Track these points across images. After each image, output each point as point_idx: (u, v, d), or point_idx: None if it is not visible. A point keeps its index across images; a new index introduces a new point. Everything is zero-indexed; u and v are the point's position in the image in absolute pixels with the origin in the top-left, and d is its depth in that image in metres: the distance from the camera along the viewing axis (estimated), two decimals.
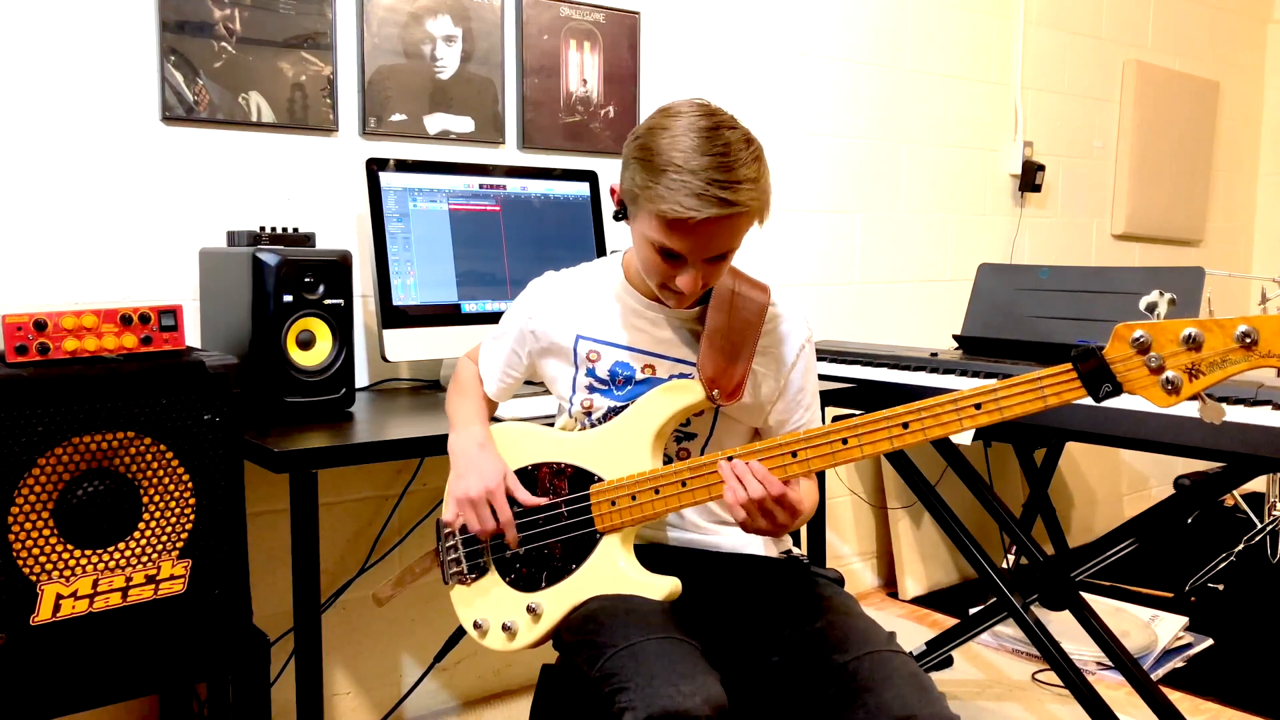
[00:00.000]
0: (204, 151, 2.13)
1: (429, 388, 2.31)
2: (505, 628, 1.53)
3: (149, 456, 1.58)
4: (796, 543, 1.67)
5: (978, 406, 1.29)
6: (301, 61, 2.21)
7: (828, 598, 1.47)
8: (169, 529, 1.61)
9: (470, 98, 2.45)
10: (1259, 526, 3.49)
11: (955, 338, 2.73)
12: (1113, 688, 2.53)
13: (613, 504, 1.47)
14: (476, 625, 1.57)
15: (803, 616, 1.43)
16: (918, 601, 3.26)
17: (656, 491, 1.44)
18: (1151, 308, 1.29)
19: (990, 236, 3.65)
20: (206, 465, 1.63)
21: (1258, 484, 3.54)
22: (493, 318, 2.21)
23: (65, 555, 1.53)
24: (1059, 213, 3.88)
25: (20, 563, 1.49)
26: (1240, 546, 3.39)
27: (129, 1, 2.03)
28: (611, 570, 1.46)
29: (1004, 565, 3.22)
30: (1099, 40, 3.94)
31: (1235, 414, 1.87)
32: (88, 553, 1.55)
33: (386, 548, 2.37)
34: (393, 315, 2.15)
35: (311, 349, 1.91)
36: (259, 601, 1.89)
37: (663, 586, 1.42)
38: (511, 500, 1.54)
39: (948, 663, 2.69)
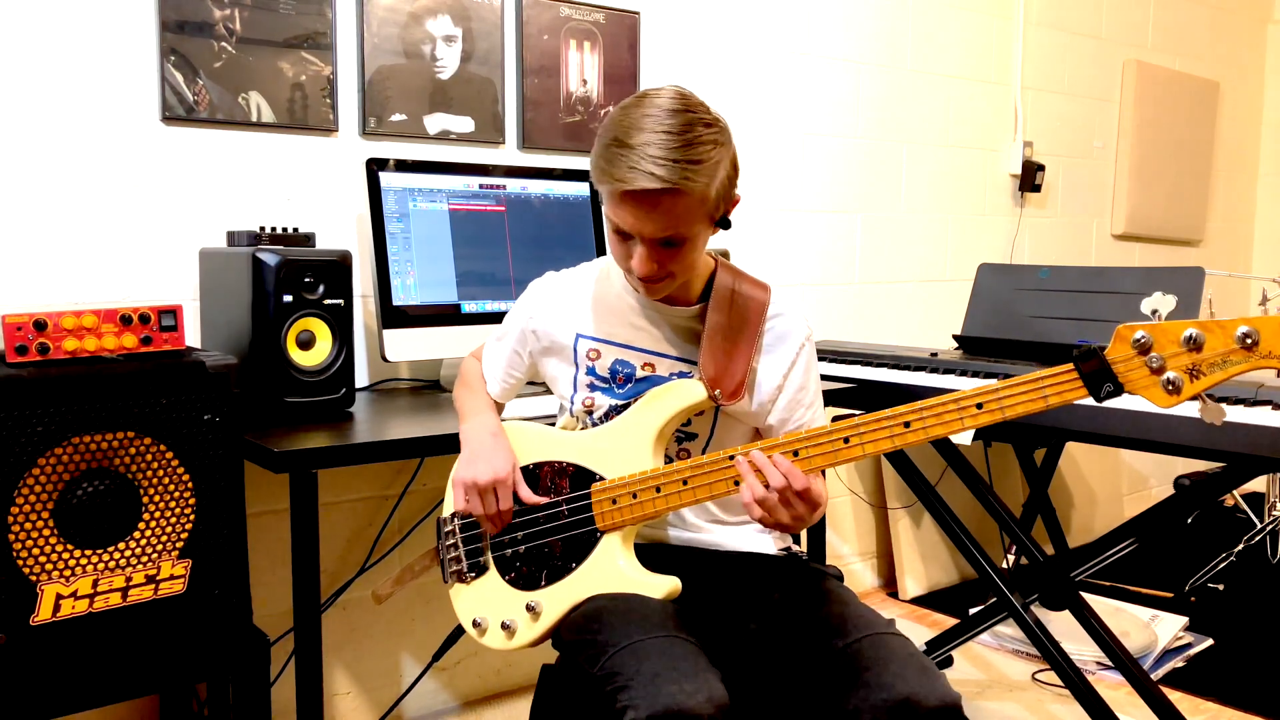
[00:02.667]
0: (204, 151, 2.13)
1: (429, 388, 2.31)
2: (504, 626, 1.53)
3: (149, 456, 1.58)
4: (796, 540, 1.67)
5: (979, 406, 1.29)
6: (301, 61, 2.21)
7: (827, 590, 1.47)
8: (169, 529, 1.61)
9: (470, 98, 2.45)
10: (1259, 526, 3.49)
11: (955, 338, 2.73)
12: (1113, 688, 2.53)
13: (614, 502, 1.47)
14: (475, 624, 1.57)
15: (802, 607, 1.43)
16: (918, 601, 3.26)
17: (658, 490, 1.44)
18: (1154, 310, 1.29)
19: (990, 236, 3.65)
20: (206, 465, 1.63)
21: (1258, 484, 3.55)
22: (493, 318, 2.21)
23: (65, 555, 1.53)
24: (1059, 213, 3.88)
25: (20, 563, 1.49)
26: (1240, 546, 3.39)
27: (129, 1, 2.03)
28: (612, 569, 1.46)
29: (1004, 565, 3.22)
30: (1099, 40, 3.94)
31: (1235, 414, 1.87)
32: (88, 553, 1.54)
33: (386, 548, 2.37)
34: (393, 315, 2.15)
35: (311, 349, 1.91)
36: (259, 601, 1.89)
37: (663, 585, 1.42)
38: (514, 498, 1.54)
39: (948, 663, 2.69)
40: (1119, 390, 1.24)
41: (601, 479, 1.49)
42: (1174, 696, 2.49)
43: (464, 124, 2.45)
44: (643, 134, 1.35)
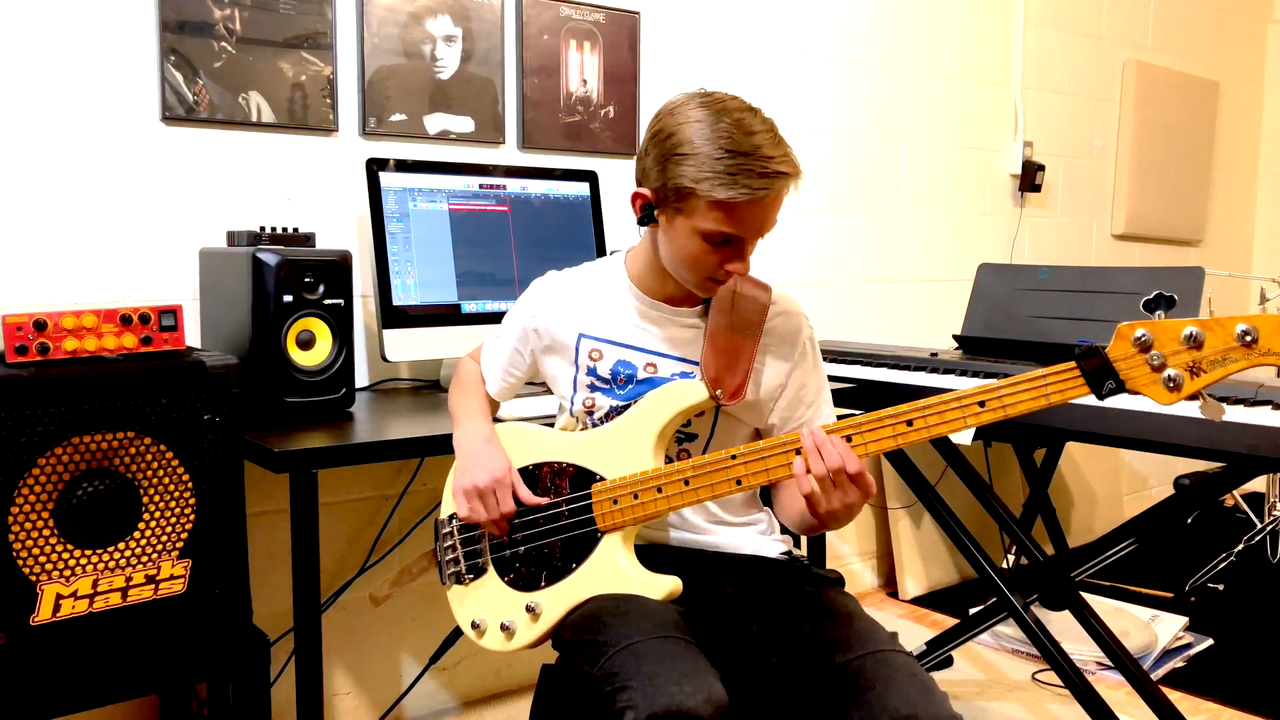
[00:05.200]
0: (204, 151, 2.13)
1: (429, 388, 2.31)
2: (504, 627, 1.53)
3: (149, 456, 1.58)
4: (797, 543, 1.67)
5: (981, 404, 1.29)
6: (301, 61, 2.21)
7: (829, 598, 1.47)
8: (169, 529, 1.61)
9: (470, 98, 2.45)
10: (1259, 526, 3.49)
11: (955, 338, 2.73)
12: (1113, 688, 2.53)
13: (614, 503, 1.47)
14: (474, 625, 1.56)
15: (804, 617, 1.43)
16: (918, 601, 3.26)
17: (659, 490, 1.44)
18: (1152, 307, 1.30)
19: (990, 236, 3.65)
20: (206, 465, 1.63)
21: (1258, 484, 3.54)
22: (493, 318, 2.21)
23: (65, 555, 1.52)
24: (1059, 213, 3.88)
25: (20, 563, 1.49)
26: (1240, 546, 3.39)
27: (129, 1, 2.03)
28: (612, 569, 1.46)
29: (1004, 565, 3.22)
30: (1099, 40, 3.94)
31: (1235, 414, 1.87)
32: (88, 553, 1.54)
33: (386, 548, 2.37)
34: (393, 315, 2.15)
35: (311, 349, 1.91)
36: (259, 601, 1.88)
37: (663, 586, 1.42)
38: (514, 499, 1.54)
39: (948, 663, 2.69)
40: (1120, 388, 1.24)
41: (602, 479, 1.49)
42: (1174, 696, 2.49)
43: (464, 124, 2.45)
44: (748, 138, 1.36)
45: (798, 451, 1.37)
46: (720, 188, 1.35)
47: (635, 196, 1.48)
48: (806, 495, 1.34)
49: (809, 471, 1.33)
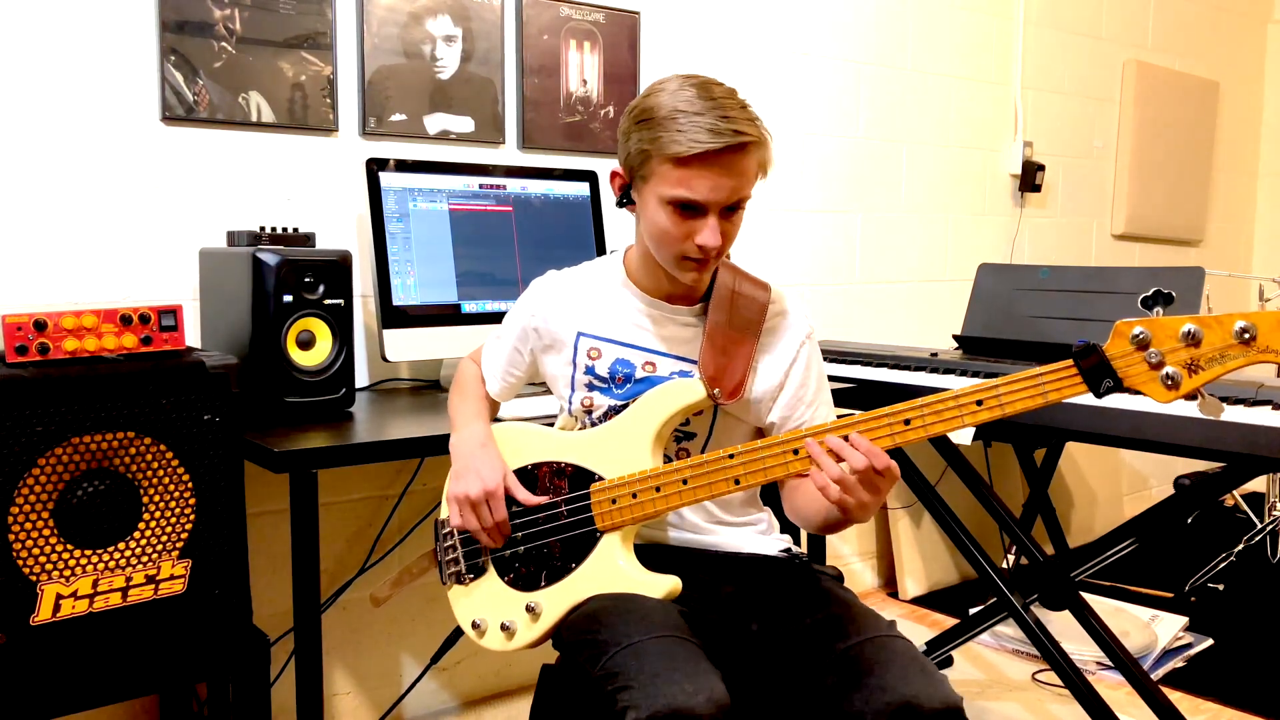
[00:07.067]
0: (204, 151, 2.13)
1: (429, 388, 2.31)
2: (504, 627, 1.53)
3: (149, 456, 1.58)
4: (796, 541, 1.67)
5: (979, 403, 1.29)
6: (301, 61, 2.21)
7: (828, 591, 1.47)
8: (169, 529, 1.61)
9: (470, 98, 2.45)
10: (1259, 526, 3.49)
11: (955, 338, 2.73)
12: (1113, 688, 2.53)
13: (613, 502, 1.47)
14: (475, 625, 1.56)
15: (804, 610, 1.43)
16: (918, 601, 3.26)
17: (658, 490, 1.44)
18: (1150, 305, 1.29)
19: (990, 236, 3.65)
20: (206, 465, 1.63)
21: (1258, 484, 3.54)
22: (493, 318, 2.21)
23: (65, 555, 1.53)
24: (1059, 213, 3.88)
25: (20, 563, 1.49)
26: (1240, 546, 3.39)
27: (129, 1, 2.03)
28: (611, 569, 1.46)
29: (1004, 565, 3.21)
30: (1099, 40, 3.94)
31: (1235, 414, 1.87)
32: (88, 553, 1.54)
33: (386, 548, 2.37)
34: (393, 315, 2.15)
35: (311, 349, 1.91)
36: (259, 601, 1.88)
37: (663, 585, 1.42)
38: (511, 500, 1.54)
39: (948, 663, 2.69)
40: (1118, 386, 1.24)
41: (600, 479, 1.49)
42: (1174, 696, 2.48)
43: (464, 124, 2.45)
44: (704, 101, 1.38)
45: (795, 452, 1.37)
46: (671, 143, 1.37)
47: (613, 175, 1.51)
48: (836, 501, 1.33)
49: (826, 470, 1.32)
